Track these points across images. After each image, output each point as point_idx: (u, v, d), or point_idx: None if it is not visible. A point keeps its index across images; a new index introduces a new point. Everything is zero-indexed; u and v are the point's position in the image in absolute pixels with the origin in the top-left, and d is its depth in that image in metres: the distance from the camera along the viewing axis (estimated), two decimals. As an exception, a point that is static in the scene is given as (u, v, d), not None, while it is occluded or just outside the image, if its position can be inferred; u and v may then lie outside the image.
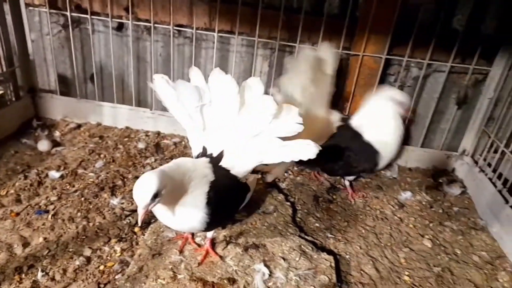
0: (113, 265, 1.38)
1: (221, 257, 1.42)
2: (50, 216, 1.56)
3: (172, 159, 2.03)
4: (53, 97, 2.28)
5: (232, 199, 1.41)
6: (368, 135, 1.75)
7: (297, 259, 1.44)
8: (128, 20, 2.14)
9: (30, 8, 2.14)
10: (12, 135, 2.07)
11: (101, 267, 1.37)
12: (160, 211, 1.23)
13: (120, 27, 2.25)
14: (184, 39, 2.25)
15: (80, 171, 1.85)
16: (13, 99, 2.17)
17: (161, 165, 1.29)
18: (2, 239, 1.43)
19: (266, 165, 1.45)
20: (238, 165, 1.39)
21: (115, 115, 2.29)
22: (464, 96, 2.18)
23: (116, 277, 1.33)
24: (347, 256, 1.55)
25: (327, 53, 1.83)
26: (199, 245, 1.47)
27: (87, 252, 1.42)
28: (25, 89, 2.23)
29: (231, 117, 1.40)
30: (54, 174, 1.80)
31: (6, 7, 2.03)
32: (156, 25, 2.10)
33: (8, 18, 2.08)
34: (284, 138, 1.34)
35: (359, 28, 2.03)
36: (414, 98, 2.16)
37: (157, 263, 1.36)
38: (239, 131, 1.39)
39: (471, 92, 2.19)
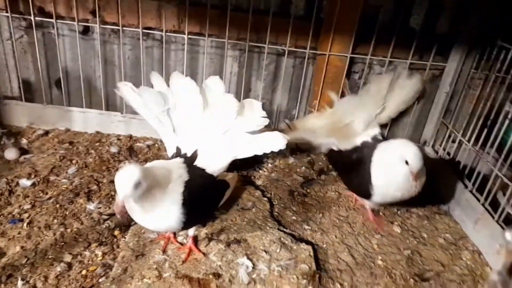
0: (95, 269, 1.37)
1: (204, 254, 1.45)
2: (25, 224, 1.52)
3: (146, 161, 2.04)
4: (18, 103, 2.21)
5: (208, 197, 1.44)
6: (374, 168, 1.63)
7: (277, 251, 1.49)
8: (94, 23, 2.11)
9: (-9, 12, 2.07)
10: (-24, 144, 2.00)
11: (84, 272, 1.36)
12: (137, 212, 1.25)
13: (86, 31, 2.22)
14: (153, 41, 2.25)
15: (52, 178, 1.82)
16: (-25, 107, 2.09)
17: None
18: (-25, 250, 1.38)
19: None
20: (213, 163, 1.43)
21: (85, 120, 2.25)
22: (422, 90, 2.33)
23: (100, 280, 1.33)
24: (324, 246, 1.63)
25: (417, 84, 2.04)
26: (181, 244, 1.49)
27: (68, 258, 1.40)
28: (-13, 96, 2.15)
29: (197, 118, 1.45)
30: (25, 182, 1.75)
31: (-36, 12, 1.96)
32: (124, 28, 2.09)
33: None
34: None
35: (324, 29, 2.12)
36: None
37: (141, 264, 1.37)
38: (208, 130, 1.44)
39: (430, 87, 2.34)
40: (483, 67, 1.99)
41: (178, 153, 1.46)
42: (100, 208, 1.66)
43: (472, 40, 2.01)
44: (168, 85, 1.50)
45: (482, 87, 2.00)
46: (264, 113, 1.45)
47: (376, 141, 1.78)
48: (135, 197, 1.14)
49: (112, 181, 1.84)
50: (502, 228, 1.61)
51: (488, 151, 1.82)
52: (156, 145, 2.22)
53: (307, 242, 1.60)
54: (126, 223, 1.57)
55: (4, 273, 1.31)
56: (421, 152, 1.49)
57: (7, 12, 2.04)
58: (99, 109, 2.27)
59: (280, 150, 2.20)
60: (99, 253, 1.44)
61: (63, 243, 1.47)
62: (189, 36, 2.10)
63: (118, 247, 1.48)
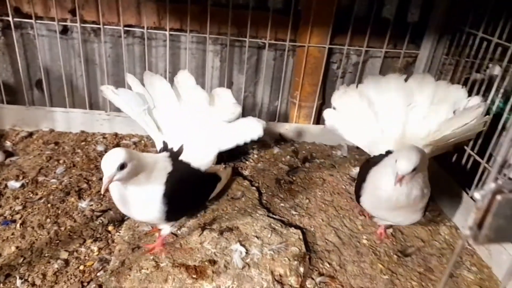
0: (92, 264, 1.40)
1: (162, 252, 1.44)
2: (18, 225, 1.53)
3: (134, 158, 2.07)
4: (0, 106, 2.18)
5: (193, 190, 1.49)
6: (373, 170, 1.52)
7: (269, 236, 1.56)
8: (74, 23, 2.11)
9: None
10: (-42, 149, 1.97)
11: (81, 267, 1.39)
12: (123, 202, 1.30)
13: (65, 31, 2.21)
14: (133, 38, 2.27)
15: (40, 178, 1.82)
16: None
17: None
18: (-30, 253, 1.39)
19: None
20: (198, 157, 1.48)
21: (68, 120, 2.25)
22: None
23: (98, 274, 1.36)
24: (312, 229, 1.70)
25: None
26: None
27: (64, 255, 1.43)
28: (-32, 100, 2.12)
29: (175, 113, 1.49)
30: (14, 184, 1.75)
31: None
32: (104, 26, 2.09)
33: None
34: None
35: (302, 22, 2.18)
36: (356, 81, 2.37)
37: (138, 256, 1.41)
38: (188, 125, 1.49)
39: (405, 74, 2.44)
40: (453, 53, 2.09)
41: (165, 148, 1.50)
42: (92, 205, 1.68)
43: (441, 27, 2.12)
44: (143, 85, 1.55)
45: (453, 72, 2.11)
46: (234, 100, 1.51)
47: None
48: (120, 177, 1.19)
49: (101, 179, 1.86)
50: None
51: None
52: (143, 141, 2.24)
53: (296, 227, 1.68)
54: (119, 218, 1.60)
55: (2, 273, 1.33)
56: (416, 157, 1.28)
57: (-18, 14, 2.01)
58: (82, 108, 2.27)
59: (265, 141, 2.30)
60: (95, 249, 1.47)
61: (58, 241, 1.49)
62: (170, 32, 2.13)
63: (113, 241, 1.51)
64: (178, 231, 1.55)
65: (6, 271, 1.34)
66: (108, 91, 1.52)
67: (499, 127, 1.68)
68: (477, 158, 1.75)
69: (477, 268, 1.61)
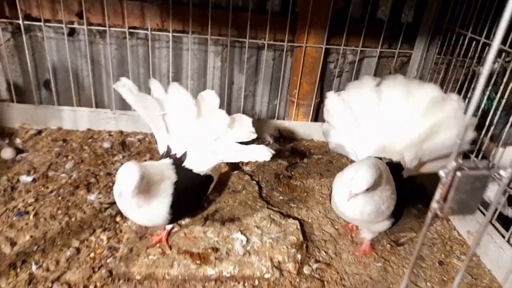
0: (102, 252, 1.49)
1: (170, 247, 1.50)
2: (31, 216, 1.62)
3: (139, 154, 2.16)
4: (10, 105, 2.28)
5: (194, 195, 1.56)
6: (337, 178, 1.54)
7: (268, 226, 1.65)
8: (80, 25, 2.20)
9: (-22, 18, 2.14)
10: (-29, 146, 2.07)
11: (92, 255, 1.48)
12: (129, 210, 1.35)
13: (71, 33, 2.30)
14: (137, 40, 2.36)
15: (51, 173, 1.91)
16: (-33, 110, 2.15)
17: (129, 161, 1.42)
18: (-13, 242, 1.48)
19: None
20: (201, 164, 1.54)
21: (75, 119, 2.34)
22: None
23: (108, 260, 1.45)
24: (309, 220, 1.79)
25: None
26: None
27: (75, 243, 1.52)
28: (-21, 99, 2.22)
29: (190, 125, 1.54)
30: (26, 178, 1.84)
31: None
32: (110, 28, 2.18)
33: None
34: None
35: (300, 23, 2.27)
36: (353, 80, 2.46)
37: (145, 243, 1.50)
38: (199, 136, 1.54)
39: (400, 73, 2.53)
40: (445, 53, 2.18)
41: (168, 152, 1.55)
42: (100, 198, 1.77)
43: (433, 28, 2.20)
44: (165, 92, 1.59)
45: (445, 71, 2.20)
46: (252, 129, 1.54)
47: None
48: (135, 193, 1.24)
49: (109, 174, 1.95)
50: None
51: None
52: (147, 138, 2.33)
53: (294, 218, 1.76)
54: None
55: (19, 259, 1.42)
56: (371, 177, 1.26)
57: (-6, 17, 2.10)
58: (88, 107, 2.36)
59: (265, 139, 2.39)
60: (104, 238, 1.56)
61: (69, 231, 1.58)
62: (173, 34, 2.22)
63: (121, 231, 1.60)
64: (182, 222, 1.64)
65: (22, 257, 1.43)
66: (124, 89, 1.53)
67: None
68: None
69: (465, 256, 1.70)
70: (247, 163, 2.17)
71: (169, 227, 1.54)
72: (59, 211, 1.67)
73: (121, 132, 2.37)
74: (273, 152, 1.50)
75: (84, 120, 2.35)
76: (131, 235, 1.54)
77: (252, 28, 2.23)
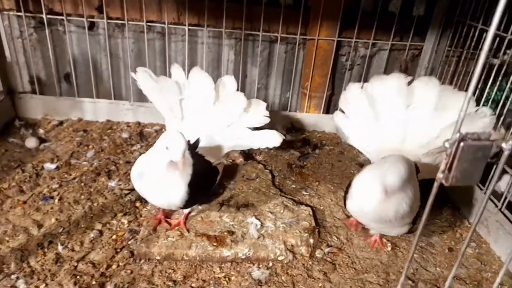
0: (124, 234, 1.57)
1: (188, 230, 1.56)
2: (56, 201, 1.71)
3: (156, 144, 2.23)
4: (33, 97, 2.37)
5: (207, 181, 1.62)
6: (360, 177, 1.47)
7: (281, 211, 1.71)
8: (100, 19, 2.28)
9: (3, 12, 2.23)
10: (-3, 135, 2.17)
11: (114, 237, 1.56)
12: (147, 190, 1.43)
13: (91, 27, 2.38)
14: (154, 34, 2.43)
15: (73, 161, 2.00)
16: (-6, 101, 2.25)
17: (147, 150, 1.48)
18: (16, 223, 1.57)
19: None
20: (213, 151, 1.61)
21: (95, 110, 2.43)
22: (405, 69, 2.55)
23: (129, 242, 1.53)
24: (321, 208, 1.84)
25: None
26: (170, 224, 1.61)
27: (98, 226, 1.60)
28: (5, 91, 2.31)
29: (207, 110, 1.61)
30: (50, 166, 1.93)
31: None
32: (128, 22, 2.26)
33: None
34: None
35: (312, 16, 2.32)
36: (363, 74, 2.50)
37: (165, 226, 1.57)
38: (214, 122, 1.61)
39: (411, 65, 2.56)
40: (456, 45, 2.20)
41: None
42: (120, 185, 1.85)
43: (444, 20, 2.23)
44: (187, 77, 1.66)
45: (456, 64, 2.22)
46: (267, 113, 1.61)
47: None
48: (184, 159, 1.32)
49: (128, 162, 2.03)
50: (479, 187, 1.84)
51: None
52: (163, 129, 2.40)
53: (307, 205, 1.82)
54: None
55: (46, 240, 1.50)
56: (404, 170, 1.25)
57: (19, 11, 2.19)
58: (107, 99, 2.45)
59: (277, 130, 2.44)
60: (125, 221, 1.64)
61: (92, 215, 1.66)
62: (189, 27, 2.28)
63: (141, 215, 1.68)
64: (199, 207, 1.71)
65: (48, 238, 1.51)
66: (144, 75, 1.59)
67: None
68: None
69: (476, 243, 1.74)
70: (260, 153, 2.23)
71: (186, 211, 1.61)
72: (82, 196, 1.76)
73: (139, 123, 2.45)
74: (284, 137, 1.55)
75: (103, 112, 2.44)
76: (151, 218, 1.62)
77: (265, 21, 2.28)
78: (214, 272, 1.44)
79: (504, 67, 1.80)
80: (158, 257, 1.46)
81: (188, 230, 1.56)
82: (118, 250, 1.50)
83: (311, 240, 1.58)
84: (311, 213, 1.74)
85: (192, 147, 1.57)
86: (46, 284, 1.33)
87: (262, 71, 2.56)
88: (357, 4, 2.28)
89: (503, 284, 1.53)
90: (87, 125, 2.38)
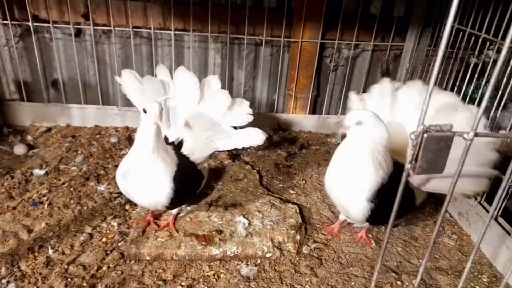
0: (114, 236, 1.59)
1: (177, 230, 1.59)
2: (45, 206, 1.73)
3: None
4: (21, 104, 2.38)
5: (191, 182, 1.64)
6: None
7: (269, 210, 1.74)
8: (86, 26, 2.30)
9: (-12, 21, 2.24)
10: (-15, 143, 2.17)
11: (104, 239, 1.58)
12: (131, 187, 1.46)
13: (78, 33, 2.40)
14: (141, 39, 2.46)
15: (62, 167, 2.01)
16: (-19, 110, 2.26)
17: None
18: (6, 229, 1.58)
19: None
20: (197, 152, 1.63)
21: (83, 116, 2.44)
22: (387, 69, 2.62)
23: (119, 244, 1.55)
24: (308, 205, 1.89)
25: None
26: (158, 226, 1.63)
27: (88, 229, 1.62)
28: (-9, 99, 2.32)
29: (191, 109, 1.63)
30: (39, 171, 1.94)
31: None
32: (114, 28, 2.29)
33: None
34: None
35: (295, 19, 2.37)
36: (347, 75, 2.56)
37: (154, 228, 1.60)
38: (198, 122, 1.64)
39: (393, 66, 2.63)
40: (435, 44, 2.27)
41: (166, 141, 1.62)
42: (109, 188, 1.87)
43: (423, 21, 2.30)
44: (171, 78, 1.68)
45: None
46: (250, 111, 1.65)
47: None
48: (162, 115, 1.34)
49: (117, 166, 2.03)
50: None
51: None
52: (152, 133, 2.43)
53: (293, 203, 1.86)
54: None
55: (36, 244, 1.52)
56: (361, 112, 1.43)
57: (5, 20, 2.21)
58: (95, 104, 2.47)
59: (264, 131, 2.48)
60: (115, 224, 1.66)
61: (82, 218, 1.68)
62: (175, 32, 2.32)
63: (130, 218, 1.70)
64: (188, 208, 1.74)
65: (39, 243, 1.53)
66: (130, 76, 1.62)
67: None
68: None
69: (457, 235, 1.79)
70: (247, 154, 2.27)
71: (174, 212, 1.64)
72: (72, 201, 1.77)
73: (127, 128, 2.47)
74: (267, 135, 1.59)
75: (91, 117, 2.46)
76: (140, 220, 1.64)
77: (250, 25, 2.33)
78: (203, 270, 1.47)
79: (479, 66, 1.87)
80: (148, 258, 1.48)
81: (177, 231, 1.59)
82: (108, 252, 1.52)
83: (298, 237, 1.62)
84: (297, 210, 1.78)
85: (177, 147, 1.60)
86: (37, 287, 1.35)
87: (248, 74, 2.60)
88: (339, 6, 2.34)
89: (483, 273, 1.58)
90: (75, 131, 2.40)
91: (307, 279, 1.48)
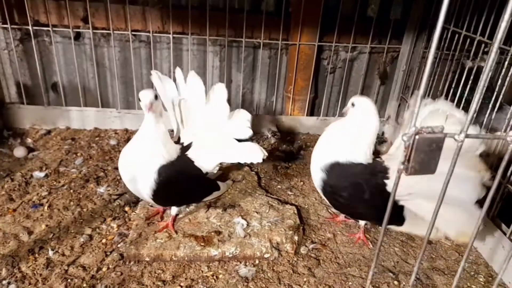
0: (113, 238, 1.61)
1: (176, 232, 1.60)
2: (46, 208, 1.74)
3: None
4: (21, 107, 2.40)
5: (188, 184, 1.62)
6: None
7: (267, 211, 1.76)
8: (86, 29, 2.32)
9: (-11, 24, 2.26)
10: (-15, 146, 2.19)
11: (104, 241, 1.59)
12: (122, 167, 1.52)
13: (77, 37, 2.42)
14: (139, 42, 2.48)
15: (62, 169, 2.03)
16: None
17: None
18: (7, 231, 1.60)
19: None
20: (201, 158, 1.63)
21: (83, 118, 2.46)
22: (383, 71, 2.64)
23: (119, 245, 1.57)
24: (306, 206, 1.90)
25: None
26: (162, 218, 1.69)
27: (88, 231, 1.63)
28: (-8, 102, 2.34)
29: (199, 113, 1.66)
30: (39, 174, 1.96)
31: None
32: (113, 31, 2.31)
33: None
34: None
35: (293, 22, 2.40)
36: (344, 77, 2.59)
37: (153, 229, 1.61)
38: (203, 126, 1.65)
39: (390, 68, 2.65)
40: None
41: (177, 142, 1.68)
42: (109, 190, 1.89)
43: (420, 23, 2.32)
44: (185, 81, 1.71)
45: (432, 64, 2.31)
46: (249, 124, 1.65)
47: None
48: (154, 105, 1.41)
49: (116, 168, 2.07)
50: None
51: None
52: (151, 136, 2.44)
53: (291, 204, 1.88)
54: (134, 200, 1.81)
55: (36, 246, 1.53)
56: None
57: (5, 24, 2.23)
58: (95, 107, 2.48)
59: (263, 133, 2.50)
60: (114, 226, 1.67)
61: (81, 220, 1.69)
62: (174, 36, 2.34)
63: (129, 220, 1.71)
64: (187, 209, 1.76)
65: (39, 244, 1.54)
66: (156, 76, 1.67)
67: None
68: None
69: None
70: (246, 156, 2.28)
71: (173, 213, 1.65)
72: (71, 203, 1.79)
73: (126, 130, 2.49)
74: (266, 154, 1.58)
75: (91, 120, 2.47)
76: (139, 221, 1.66)
77: (248, 28, 2.35)
78: (202, 271, 1.49)
79: (474, 70, 1.89)
80: (147, 259, 1.50)
81: (176, 232, 1.61)
82: (108, 253, 1.53)
83: (296, 237, 1.64)
84: (295, 211, 1.79)
85: (184, 149, 1.62)
86: (38, 288, 1.36)
87: (246, 76, 2.62)
88: (336, 9, 2.36)
89: (479, 273, 1.60)
90: (75, 133, 2.41)
91: (305, 279, 1.49)
